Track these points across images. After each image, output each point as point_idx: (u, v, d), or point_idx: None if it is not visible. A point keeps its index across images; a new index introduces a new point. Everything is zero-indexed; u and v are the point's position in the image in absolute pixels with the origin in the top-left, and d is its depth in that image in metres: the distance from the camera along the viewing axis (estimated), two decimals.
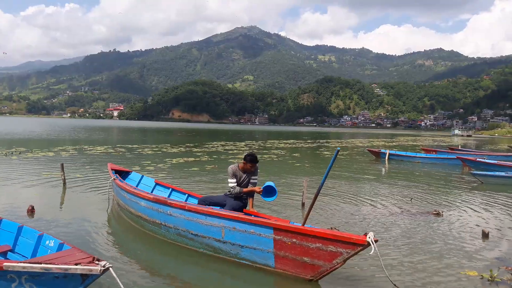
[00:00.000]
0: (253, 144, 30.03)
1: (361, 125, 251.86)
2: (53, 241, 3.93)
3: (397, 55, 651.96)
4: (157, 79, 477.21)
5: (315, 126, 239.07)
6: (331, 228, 5.91)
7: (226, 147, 25.13)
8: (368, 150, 22.44)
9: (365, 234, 3.77)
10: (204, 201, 5.82)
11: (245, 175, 5.78)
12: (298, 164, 16.50)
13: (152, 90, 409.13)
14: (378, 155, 20.54)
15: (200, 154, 19.33)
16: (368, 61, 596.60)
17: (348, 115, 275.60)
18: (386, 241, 5.72)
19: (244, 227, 4.48)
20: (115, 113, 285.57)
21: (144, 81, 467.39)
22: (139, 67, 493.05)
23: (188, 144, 26.76)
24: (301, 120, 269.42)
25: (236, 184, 5.71)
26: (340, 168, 15.04)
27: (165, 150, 21.09)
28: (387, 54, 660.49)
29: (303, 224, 4.32)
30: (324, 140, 43.55)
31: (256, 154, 5.80)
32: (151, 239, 5.55)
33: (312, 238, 4.02)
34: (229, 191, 5.78)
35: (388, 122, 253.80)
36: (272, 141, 37.37)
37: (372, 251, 3.61)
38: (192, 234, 5.00)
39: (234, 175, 5.73)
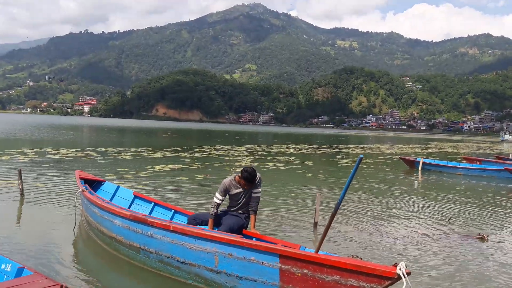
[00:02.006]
0: (255, 149, 30.05)
1: (389, 127, 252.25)
2: (10, 264, 3.90)
3: (434, 41, 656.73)
4: (138, 67, 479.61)
5: (332, 127, 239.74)
6: (352, 256, 5.86)
7: (222, 152, 25.14)
8: (401, 158, 22.22)
9: (395, 265, 3.72)
10: (194, 220, 5.83)
11: (243, 189, 5.80)
12: (309, 175, 16.48)
13: (131, 81, 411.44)
14: (413, 165, 20.36)
15: (189, 160, 19.35)
16: (399, 48, 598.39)
17: (373, 115, 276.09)
18: (420, 272, 5.68)
19: (243, 254, 4.44)
20: (86, 109, 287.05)
21: (122, 70, 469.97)
22: (116, 53, 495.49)
23: (175, 148, 26.78)
24: (315, 120, 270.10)
25: (221, 202, 5.78)
26: (363, 180, 15.02)
27: (146, 154, 21.11)
28: (422, 40, 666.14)
29: (317, 251, 4.29)
30: (343, 145, 43.53)
31: (256, 171, 5.77)
32: (127, 266, 5.51)
33: (328, 269, 3.98)
34: (227, 208, 5.80)
35: (422, 124, 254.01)
36: (278, 145, 37.40)
37: (404, 286, 3.56)
38: (178, 261, 4.97)
39: (225, 192, 5.81)
